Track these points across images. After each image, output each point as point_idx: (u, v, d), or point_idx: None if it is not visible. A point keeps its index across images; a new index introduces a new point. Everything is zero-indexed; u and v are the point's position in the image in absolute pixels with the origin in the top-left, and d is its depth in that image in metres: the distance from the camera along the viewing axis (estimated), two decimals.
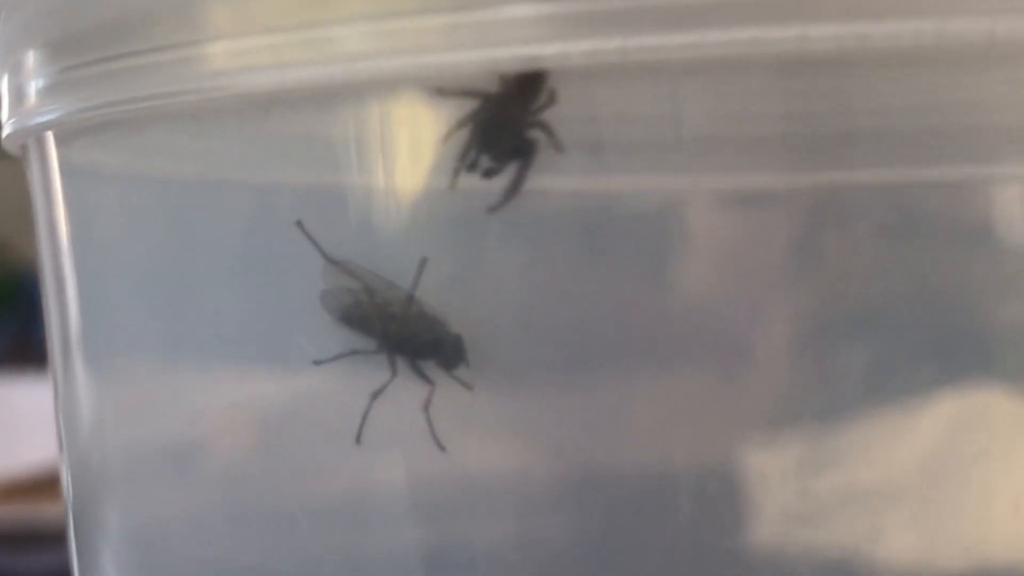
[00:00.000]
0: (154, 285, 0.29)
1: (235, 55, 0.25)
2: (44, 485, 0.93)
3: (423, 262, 0.24)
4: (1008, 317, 0.24)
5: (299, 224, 0.25)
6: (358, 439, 0.25)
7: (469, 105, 0.24)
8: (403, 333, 0.25)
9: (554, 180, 0.25)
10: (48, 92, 0.29)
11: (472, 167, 0.24)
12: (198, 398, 0.29)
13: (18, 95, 0.30)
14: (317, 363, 0.25)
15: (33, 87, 0.29)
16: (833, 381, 0.24)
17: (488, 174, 0.24)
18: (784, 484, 0.25)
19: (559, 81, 0.24)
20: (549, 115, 0.24)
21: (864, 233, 0.24)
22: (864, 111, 0.24)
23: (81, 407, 0.31)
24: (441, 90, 0.24)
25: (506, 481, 0.26)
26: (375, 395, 0.25)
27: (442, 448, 0.25)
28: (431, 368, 0.25)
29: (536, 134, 0.24)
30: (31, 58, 0.30)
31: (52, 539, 0.84)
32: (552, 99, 0.24)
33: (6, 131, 0.31)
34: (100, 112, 0.28)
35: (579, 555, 0.25)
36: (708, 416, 0.25)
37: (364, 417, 0.25)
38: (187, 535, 0.30)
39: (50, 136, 0.30)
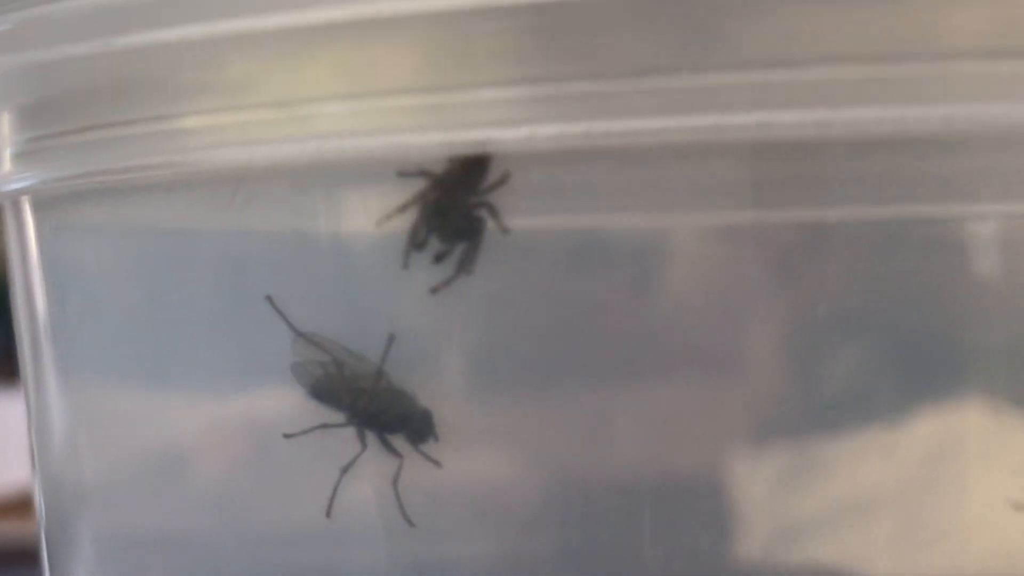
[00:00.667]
0: (129, 329, 0.30)
1: (206, 131, 0.25)
2: (28, 503, 0.92)
3: (391, 338, 0.25)
4: (983, 343, 0.25)
5: (269, 299, 0.25)
6: (328, 513, 0.26)
7: (416, 186, 0.24)
8: (372, 407, 0.25)
9: (529, 218, 0.25)
10: (21, 159, 0.29)
11: (421, 248, 0.24)
12: (174, 419, 0.29)
13: None
14: (287, 436, 0.26)
15: (6, 153, 0.29)
16: (816, 397, 0.25)
17: (438, 259, 0.24)
18: (768, 499, 0.25)
19: (523, 159, 0.24)
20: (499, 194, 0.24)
21: (841, 260, 0.25)
22: (834, 171, 0.25)
23: (54, 426, 0.31)
24: (402, 172, 0.24)
25: (491, 498, 0.26)
26: (344, 469, 0.25)
27: (411, 524, 0.25)
28: (400, 442, 0.25)
29: (483, 214, 0.24)
30: (4, 121, 0.30)
31: (33, 558, 0.84)
32: (505, 180, 0.24)
33: None
34: (73, 182, 0.28)
35: (565, 571, 0.26)
36: (692, 432, 0.25)
37: (334, 491, 0.25)
38: (162, 555, 0.30)
39: (25, 200, 0.30)
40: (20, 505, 0.93)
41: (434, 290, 0.24)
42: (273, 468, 0.28)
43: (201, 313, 0.28)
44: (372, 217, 0.25)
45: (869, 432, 0.24)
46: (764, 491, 0.25)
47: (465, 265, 0.24)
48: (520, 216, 0.25)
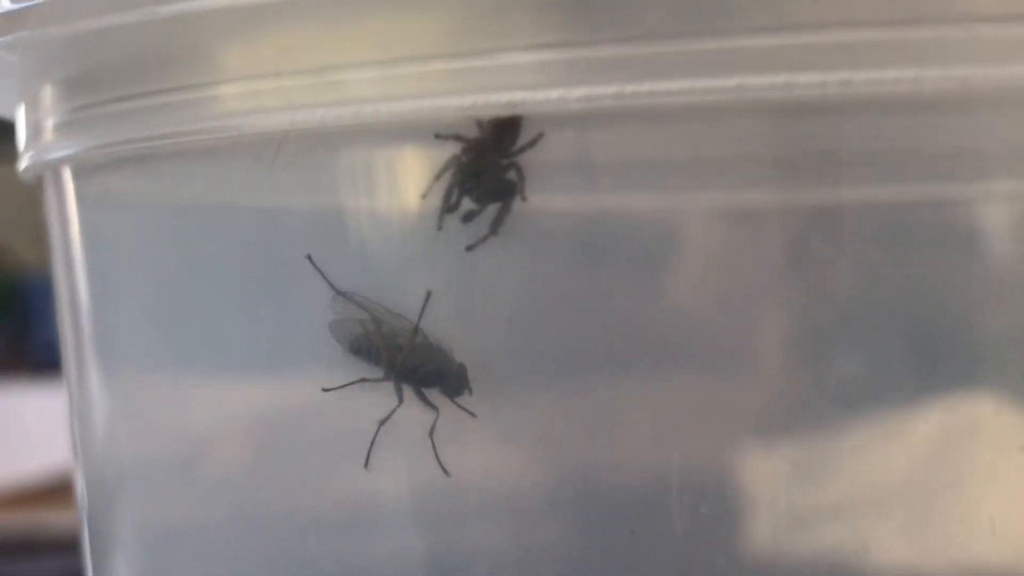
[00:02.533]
0: (166, 306, 0.30)
1: (246, 97, 0.26)
2: (43, 493, 0.93)
3: (428, 295, 0.25)
4: (995, 331, 0.25)
5: (309, 257, 0.26)
6: (366, 464, 0.26)
7: (451, 150, 0.25)
8: (409, 363, 0.26)
9: (551, 200, 0.26)
10: (64, 128, 0.30)
11: (453, 209, 0.25)
12: (208, 408, 0.30)
13: (35, 129, 0.31)
14: (326, 391, 0.26)
15: (50, 122, 0.30)
16: (824, 392, 0.25)
17: (466, 218, 0.25)
18: (777, 494, 0.25)
19: (554, 121, 0.25)
20: (531, 156, 0.25)
21: (853, 247, 0.25)
22: (852, 139, 0.25)
23: (95, 417, 0.32)
24: (438, 135, 0.25)
25: (504, 492, 0.26)
26: (382, 422, 0.26)
27: (447, 474, 0.26)
28: (436, 396, 0.26)
29: (514, 177, 0.25)
30: (48, 93, 0.30)
31: (51, 547, 0.84)
32: (537, 141, 0.25)
33: (23, 163, 0.32)
34: (115, 149, 0.28)
35: (576, 564, 0.26)
36: (702, 427, 0.26)
37: (372, 443, 0.26)
38: (198, 543, 0.30)
39: (66, 169, 0.31)
40: (35, 495, 0.94)
41: (470, 248, 0.25)
42: (307, 449, 0.28)
43: (239, 285, 0.29)
44: (409, 179, 0.26)
45: (880, 422, 0.25)
46: (775, 481, 0.25)
47: (495, 226, 0.25)
48: (542, 193, 0.25)
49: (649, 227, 0.26)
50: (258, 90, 0.26)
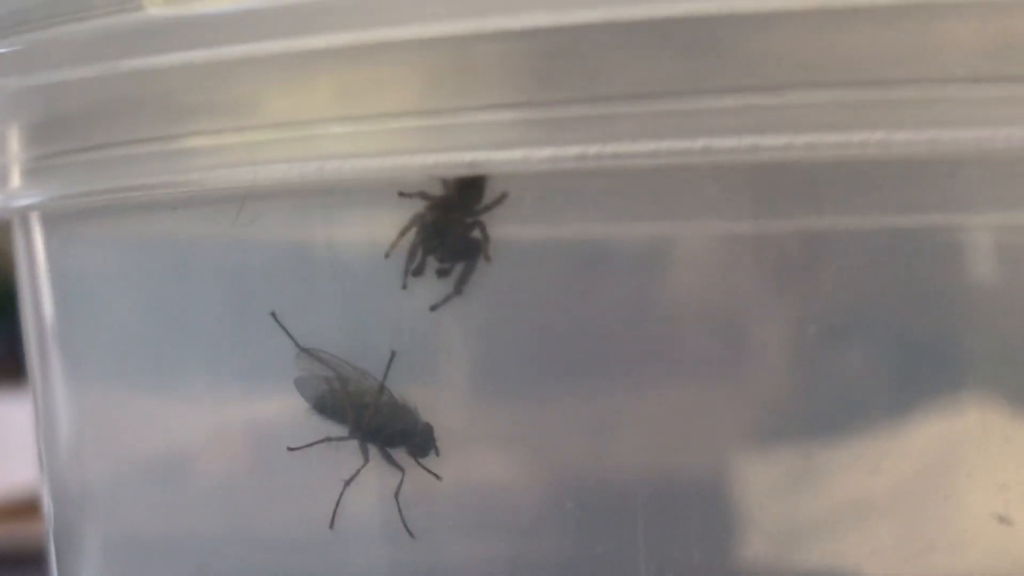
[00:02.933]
0: (133, 336, 0.30)
1: (211, 151, 0.26)
2: (36, 506, 0.92)
3: (392, 355, 0.25)
4: (980, 346, 0.25)
5: (273, 315, 0.26)
6: (331, 525, 0.26)
7: (415, 208, 0.25)
8: (374, 422, 0.26)
9: (528, 229, 0.26)
10: (31, 176, 0.29)
11: (418, 271, 0.25)
12: (178, 424, 0.30)
13: (2, 175, 0.31)
14: (291, 450, 0.26)
15: (16, 168, 0.30)
16: (815, 403, 0.25)
17: (440, 274, 0.25)
18: (769, 502, 0.25)
19: (522, 176, 0.25)
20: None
21: (839, 264, 0.25)
22: (828, 183, 0.25)
23: (61, 429, 0.32)
24: (402, 193, 0.25)
25: (497, 504, 0.26)
26: (347, 482, 0.26)
27: (412, 536, 0.25)
28: (402, 456, 0.26)
29: (478, 236, 0.25)
30: (14, 138, 0.30)
31: (38, 560, 0.84)
32: (502, 200, 0.25)
33: None
34: (81, 199, 0.28)
35: (569, 566, 0.26)
36: (693, 437, 0.25)
37: (337, 504, 0.26)
38: (167, 558, 0.30)
39: (34, 215, 0.31)
40: (26, 508, 0.93)
41: (433, 308, 0.25)
42: (276, 475, 0.28)
43: (205, 324, 0.29)
44: (373, 235, 0.26)
45: (869, 437, 0.25)
46: (764, 495, 0.25)
47: (459, 286, 0.25)
48: (520, 225, 0.25)
49: (633, 245, 0.26)
50: (221, 144, 0.26)
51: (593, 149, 0.23)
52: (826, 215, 0.25)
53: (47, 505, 0.33)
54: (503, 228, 0.25)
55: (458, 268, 0.25)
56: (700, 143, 0.23)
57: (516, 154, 0.23)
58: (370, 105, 0.24)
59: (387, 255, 0.25)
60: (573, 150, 0.23)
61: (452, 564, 0.26)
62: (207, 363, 0.29)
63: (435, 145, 0.24)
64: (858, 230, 0.25)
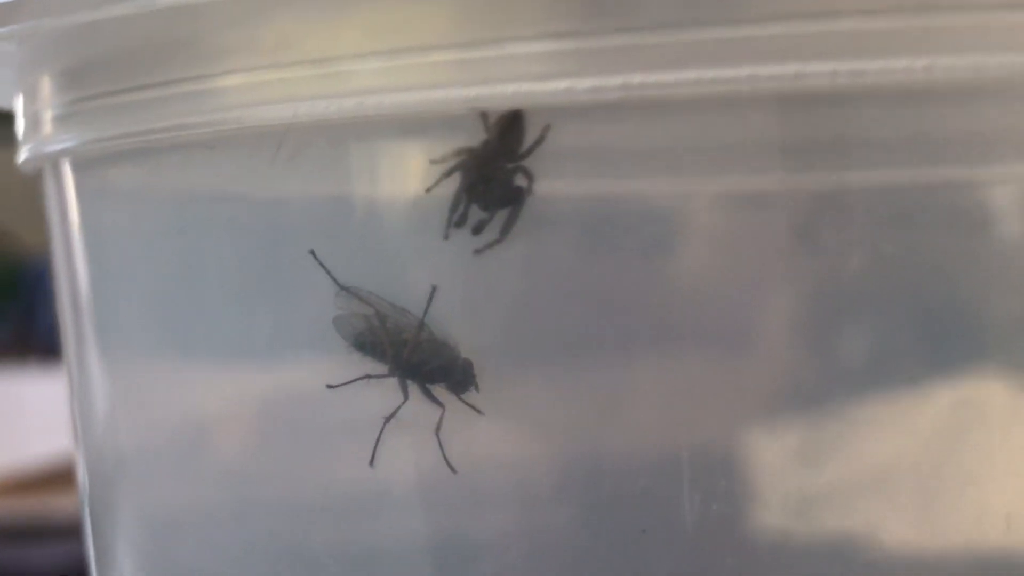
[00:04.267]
0: (166, 295, 0.30)
1: (247, 89, 0.26)
2: (49, 479, 0.93)
3: (433, 290, 0.25)
4: (1003, 311, 0.25)
5: (312, 252, 0.26)
6: (371, 462, 0.26)
7: (457, 157, 0.25)
8: (414, 359, 0.26)
9: (556, 185, 0.26)
10: (63, 121, 0.29)
11: (461, 221, 0.25)
12: (210, 395, 0.30)
13: (34, 121, 0.31)
14: (330, 387, 0.26)
15: (48, 114, 0.30)
16: (832, 370, 0.25)
17: (477, 230, 0.25)
18: (786, 470, 0.25)
19: (559, 111, 0.24)
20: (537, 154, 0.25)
21: (861, 230, 0.25)
22: (860, 125, 0.25)
23: (96, 405, 0.32)
24: (433, 160, 0.25)
25: (511, 478, 0.26)
26: (387, 419, 0.26)
27: (454, 471, 0.25)
28: (442, 392, 0.26)
29: (522, 182, 0.25)
30: (46, 84, 0.30)
31: (58, 533, 0.84)
32: (544, 137, 0.24)
33: (23, 156, 0.32)
34: (114, 143, 0.28)
35: (583, 544, 0.26)
36: (711, 404, 0.25)
37: (377, 441, 0.26)
38: (199, 529, 0.30)
39: (65, 161, 0.31)
40: (41, 480, 0.94)
41: (477, 251, 0.25)
42: (309, 436, 0.28)
43: (239, 277, 0.29)
44: (413, 173, 0.26)
45: (887, 403, 0.25)
46: (782, 463, 0.25)
47: (504, 232, 0.25)
48: (547, 180, 0.25)
49: (656, 211, 0.26)
50: (259, 82, 0.26)
51: (637, 78, 0.23)
52: (853, 169, 0.25)
53: (81, 476, 0.33)
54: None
55: (502, 214, 0.25)
56: (745, 71, 0.23)
57: (560, 84, 0.23)
58: (408, 39, 0.24)
59: (428, 190, 0.25)
60: (616, 80, 0.23)
61: (471, 531, 0.26)
62: (239, 322, 0.29)
63: (475, 78, 0.24)
64: (884, 187, 0.25)
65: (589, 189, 0.26)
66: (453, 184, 0.25)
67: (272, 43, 0.25)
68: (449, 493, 0.26)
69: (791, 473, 0.25)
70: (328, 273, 0.26)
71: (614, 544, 0.25)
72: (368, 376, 0.26)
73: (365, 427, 0.26)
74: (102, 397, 0.32)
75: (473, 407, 0.25)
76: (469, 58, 0.24)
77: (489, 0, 0.24)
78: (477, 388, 0.25)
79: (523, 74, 0.24)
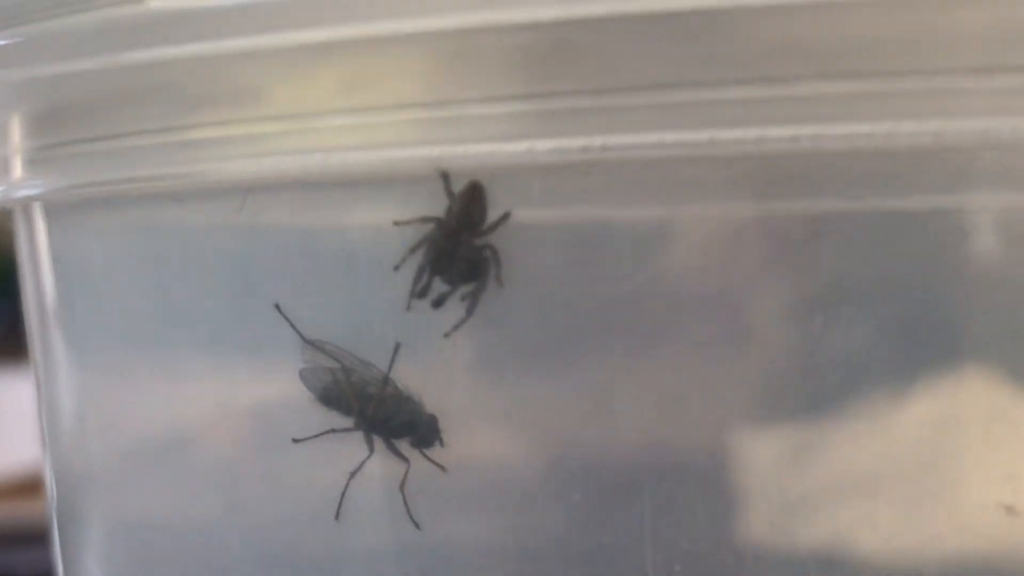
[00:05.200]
0: (138, 323, 0.30)
1: (214, 143, 0.26)
2: (37, 483, 0.92)
3: (397, 346, 0.25)
4: (985, 317, 0.25)
5: (277, 307, 0.26)
6: (337, 516, 0.26)
7: (420, 231, 0.25)
8: (379, 413, 0.26)
9: (532, 212, 0.26)
10: (33, 166, 0.29)
11: (424, 292, 0.25)
12: (183, 403, 0.30)
13: (3, 164, 0.31)
14: (296, 441, 0.26)
15: (18, 159, 0.30)
16: (820, 377, 0.25)
17: (437, 303, 0.25)
18: (771, 476, 0.25)
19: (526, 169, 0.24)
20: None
21: (840, 239, 0.25)
22: (830, 171, 0.25)
23: (63, 408, 0.32)
24: (398, 222, 0.25)
25: (499, 477, 0.26)
26: (352, 474, 0.26)
27: (418, 527, 0.25)
28: (406, 447, 0.26)
29: (487, 257, 0.25)
30: (16, 128, 0.30)
31: (43, 538, 0.84)
32: (506, 219, 0.24)
33: None
34: (84, 190, 0.28)
35: (573, 544, 0.26)
36: (695, 410, 0.26)
37: (343, 495, 0.26)
38: (169, 537, 0.30)
39: (36, 205, 0.31)
40: (25, 486, 0.93)
41: (447, 334, 0.25)
42: (280, 458, 0.28)
43: (208, 312, 0.29)
44: (378, 228, 0.26)
45: (870, 410, 0.25)
46: (766, 468, 0.25)
47: (472, 307, 0.25)
48: (525, 207, 0.25)
49: (637, 226, 0.26)
50: (226, 136, 0.26)
51: (598, 141, 0.23)
52: (828, 198, 0.25)
53: (49, 484, 0.33)
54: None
55: (463, 290, 0.25)
56: (706, 135, 0.23)
57: (520, 146, 0.23)
58: (373, 97, 0.24)
59: (396, 268, 0.25)
60: (577, 142, 0.23)
61: (457, 544, 0.26)
62: (210, 348, 0.29)
63: (438, 137, 0.24)
64: (859, 211, 0.25)
65: (568, 215, 0.26)
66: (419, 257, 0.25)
67: (238, 97, 0.25)
68: (438, 494, 0.26)
69: (775, 478, 0.25)
70: (293, 327, 0.26)
71: (603, 543, 0.26)
72: (333, 430, 0.26)
73: (340, 450, 0.26)
74: (70, 409, 0.32)
75: (437, 464, 0.25)
76: (430, 117, 0.24)
77: (451, 61, 0.24)
78: (442, 443, 0.25)
79: (485, 135, 0.23)
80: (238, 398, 0.29)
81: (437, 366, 0.26)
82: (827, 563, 0.25)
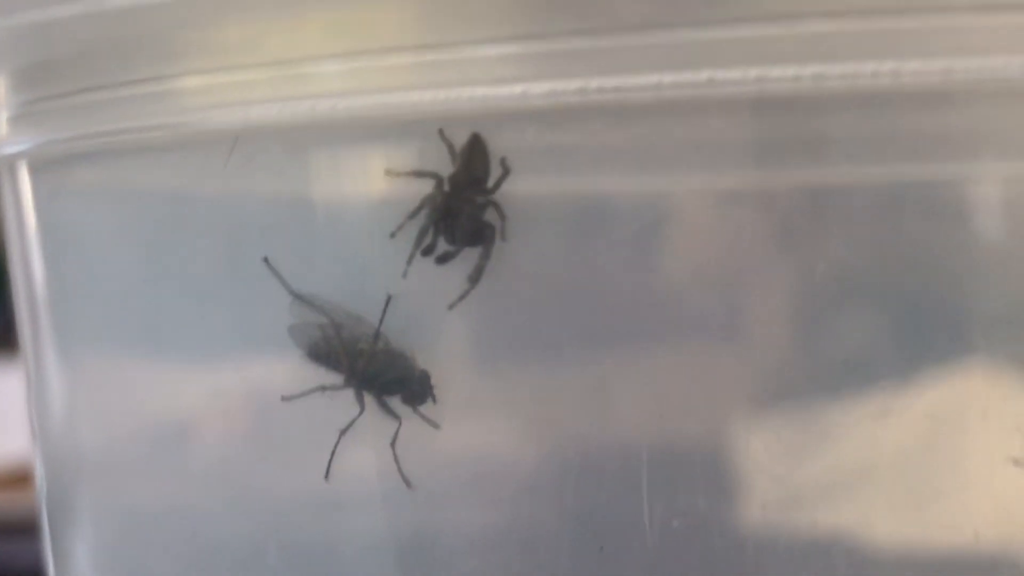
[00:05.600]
0: (126, 294, 0.30)
1: (202, 91, 0.25)
2: (27, 475, 0.92)
3: (388, 299, 0.24)
4: (988, 300, 0.25)
5: (266, 260, 0.25)
6: (327, 475, 0.25)
7: (424, 190, 0.24)
8: (370, 370, 0.25)
9: (531, 182, 0.25)
10: (17, 122, 0.29)
11: (429, 251, 0.24)
12: (171, 389, 0.29)
13: None
14: (285, 399, 0.26)
15: (3, 116, 0.29)
16: (817, 363, 0.25)
17: (441, 260, 0.24)
18: (770, 464, 0.25)
19: (526, 115, 0.24)
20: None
21: (841, 224, 0.24)
22: (834, 125, 0.24)
23: (53, 397, 0.31)
24: (389, 171, 0.24)
25: (490, 462, 0.26)
26: (343, 431, 0.25)
27: (409, 486, 0.25)
28: (398, 404, 0.25)
29: (491, 216, 0.24)
30: (0, 85, 0.30)
31: (33, 530, 0.84)
32: (507, 172, 0.24)
33: None
34: (69, 144, 0.28)
35: (569, 536, 0.25)
36: (693, 398, 0.25)
37: (332, 453, 0.25)
38: (162, 522, 0.30)
39: (22, 163, 0.30)
40: (16, 477, 0.93)
41: (451, 306, 0.24)
42: (271, 437, 0.28)
43: (197, 277, 0.28)
44: (370, 179, 0.25)
45: (871, 396, 0.24)
46: (766, 456, 0.25)
47: (475, 276, 0.24)
48: (521, 179, 0.25)
49: (635, 206, 0.25)
50: (214, 84, 0.25)
51: (595, 83, 0.22)
52: (830, 166, 0.24)
53: (40, 474, 0.33)
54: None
55: (472, 255, 0.24)
56: (704, 75, 0.22)
57: (515, 89, 0.23)
58: (363, 42, 0.24)
59: (393, 235, 0.24)
60: (574, 83, 0.22)
61: (448, 523, 0.26)
62: (200, 323, 0.28)
63: (431, 82, 0.23)
64: (862, 184, 0.24)
65: (565, 185, 0.26)
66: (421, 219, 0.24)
67: (226, 45, 0.25)
68: (435, 486, 0.26)
69: (775, 467, 0.25)
70: (281, 281, 0.25)
71: (600, 536, 0.25)
72: (323, 387, 0.25)
73: (331, 417, 0.26)
74: (60, 396, 0.31)
75: (429, 420, 0.25)
76: (421, 62, 0.23)
77: (445, 4, 0.23)
78: (435, 400, 0.25)
79: (478, 78, 0.23)
80: (228, 380, 0.28)
81: (432, 352, 0.26)
82: (823, 558, 0.25)
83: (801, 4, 0.22)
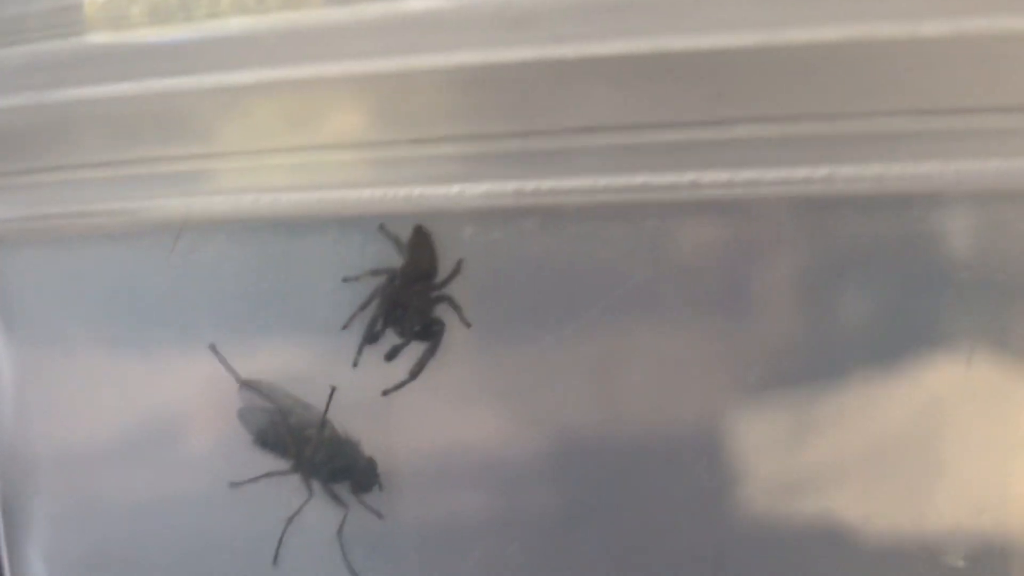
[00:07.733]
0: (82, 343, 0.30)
1: (147, 179, 0.25)
2: None
3: (332, 390, 0.25)
4: (985, 290, 0.24)
5: (212, 348, 0.25)
6: (275, 561, 0.26)
7: (375, 283, 0.24)
8: (317, 456, 0.25)
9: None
10: None
11: (375, 339, 0.24)
12: (128, 389, 0.29)
13: None
14: (233, 486, 0.26)
15: None
16: (818, 350, 0.25)
17: (390, 356, 0.24)
18: (770, 451, 0.25)
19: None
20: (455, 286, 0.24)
21: (842, 212, 0.24)
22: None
23: (5, 399, 0.31)
24: (346, 278, 0.24)
25: (493, 451, 0.26)
26: (290, 519, 0.25)
27: (355, 575, 0.25)
28: (345, 492, 0.25)
29: (443, 311, 0.24)
30: None
31: None
32: (458, 270, 0.24)
33: None
34: (13, 225, 0.28)
35: (566, 524, 0.26)
36: (694, 385, 0.25)
37: (280, 540, 0.25)
38: (109, 525, 0.30)
39: None
40: None
41: (386, 392, 0.24)
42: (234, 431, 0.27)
43: (147, 339, 0.28)
44: (321, 269, 0.25)
45: (871, 383, 0.24)
46: (766, 443, 0.25)
47: (416, 370, 0.24)
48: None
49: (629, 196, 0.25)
50: (158, 173, 0.25)
51: (530, 185, 0.22)
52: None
53: None
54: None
55: (415, 346, 0.24)
56: (639, 179, 0.22)
57: (452, 189, 0.23)
58: (307, 137, 0.24)
59: (345, 327, 0.24)
60: (510, 186, 0.22)
61: (452, 523, 0.26)
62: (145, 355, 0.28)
63: (371, 179, 0.23)
64: (853, 178, 0.24)
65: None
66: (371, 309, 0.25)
67: (174, 134, 0.25)
68: (431, 474, 0.26)
69: (775, 454, 0.25)
70: (228, 368, 0.25)
71: (598, 523, 0.25)
72: (270, 474, 0.25)
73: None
74: (12, 391, 0.31)
75: (374, 511, 0.25)
76: (364, 159, 0.23)
77: (386, 104, 0.23)
78: (381, 488, 0.25)
79: (417, 177, 0.23)
80: (179, 382, 0.28)
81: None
82: (823, 542, 0.25)
83: (734, 110, 0.22)
